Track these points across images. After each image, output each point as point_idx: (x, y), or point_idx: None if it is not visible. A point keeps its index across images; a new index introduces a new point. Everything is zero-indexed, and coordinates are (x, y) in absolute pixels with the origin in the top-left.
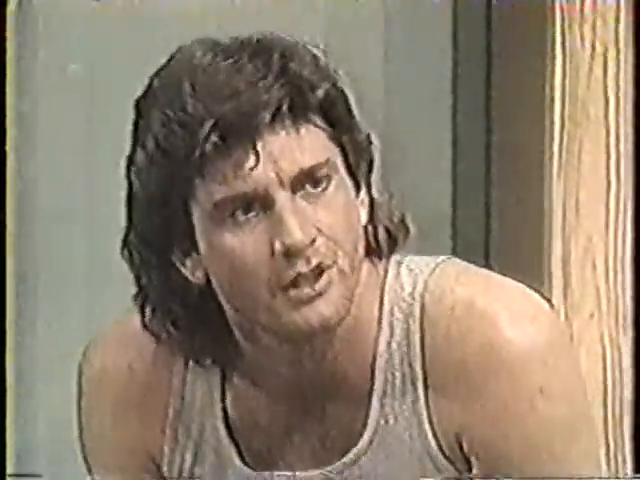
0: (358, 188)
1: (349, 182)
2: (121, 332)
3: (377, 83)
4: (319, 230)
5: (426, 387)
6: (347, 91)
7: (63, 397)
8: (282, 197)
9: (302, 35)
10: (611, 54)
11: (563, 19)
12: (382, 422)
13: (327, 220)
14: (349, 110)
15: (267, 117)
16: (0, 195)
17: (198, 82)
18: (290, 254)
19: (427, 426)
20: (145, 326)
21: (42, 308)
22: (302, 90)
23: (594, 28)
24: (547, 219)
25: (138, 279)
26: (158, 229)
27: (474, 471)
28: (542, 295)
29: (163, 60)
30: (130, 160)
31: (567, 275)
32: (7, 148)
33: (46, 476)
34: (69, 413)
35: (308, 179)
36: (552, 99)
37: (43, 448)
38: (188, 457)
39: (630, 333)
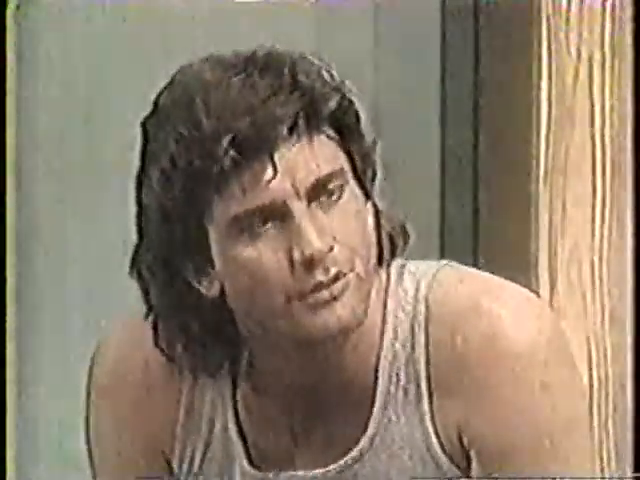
0: (366, 196)
1: (358, 190)
2: (132, 331)
3: (366, 83)
4: (336, 239)
5: (429, 386)
6: (355, 101)
7: (65, 404)
8: (299, 207)
9: (292, 30)
10: (597, 60)
11: (549, 25)
12: (385, 421)
13: (343, 228)
14: (357, 119)
15: (284, 130)
16: (0, 196)
17: (211, 99)
18: (310, 263)
19: (429, 424)
20: (157, 344)
21: (44, 315)
22: (315, 102)
23: (580, 34)
24: (534, 223)
25: (147, 297)
26: (172, 247)
27: (473, 467)
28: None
29: (163, 59)
30: (140, 180)
31: (553, 278)
32: (7, 147)
33: None
34: (71, 421)
35: (323, 189)
36: (539, 104)
37: (44, 457)
38: (197, 455)
39: (630, 334)
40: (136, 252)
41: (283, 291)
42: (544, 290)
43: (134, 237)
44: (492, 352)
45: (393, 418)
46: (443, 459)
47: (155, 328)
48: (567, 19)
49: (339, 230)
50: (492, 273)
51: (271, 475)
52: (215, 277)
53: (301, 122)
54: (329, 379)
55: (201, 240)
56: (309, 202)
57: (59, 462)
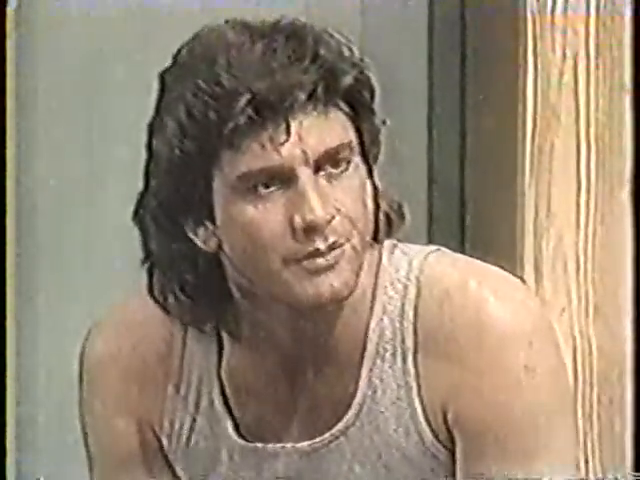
0: (370, 173)
1: (362, 166)
2: (121, 315)
3: None
4: (337, 209)
5: (416, 361)
6: (373, 78)
7: (64, 395)
8: (306, 174)
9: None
10: (581, 60)
11: (535, 26)
12: (370, 393)
13: (345, 200)
14: (372, 97)
15: (303, 97)
16: (0, 194)
17: (233, 58)
18: (310, 230)
19: (416, 398)
20: (151, 292)
21: (42, 314)
22: (334, 75)
23: (565, 35)
24: (519, 219)
25: (146, 245)
26: (176, 196)
27: (457, 445)
28: None
29: (161, 59)
30: (153, 128)
31: (539, 272)
32: (7, 147)
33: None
34: (70, 413)
35: (330, 160)
36: (524, 103)
37: (44, 448)
38: (185, 430)
39: (630, 331)
40: (141, 199)
41: (280, 254)
42: (530, 284)
43: (135, 232)
44: (477, 332)
45: (379, 391)
46: (428, 433)
47: (150, 276)
48: (552, 19)
49: (341, 201)
50: None
51: (259, 446)
52: (214, 233)
53: (320, 91)
54: (316, 349)
55: (205, 194)
56: (316, 171)
57: (59, 454)
